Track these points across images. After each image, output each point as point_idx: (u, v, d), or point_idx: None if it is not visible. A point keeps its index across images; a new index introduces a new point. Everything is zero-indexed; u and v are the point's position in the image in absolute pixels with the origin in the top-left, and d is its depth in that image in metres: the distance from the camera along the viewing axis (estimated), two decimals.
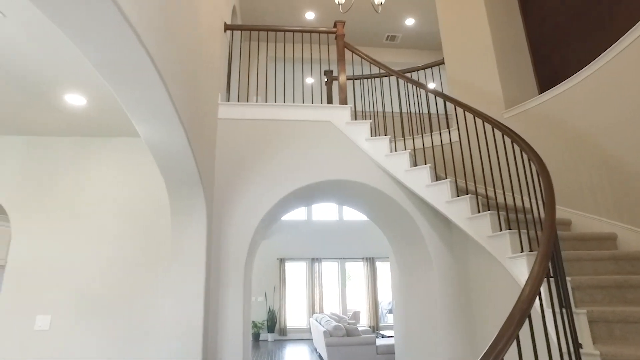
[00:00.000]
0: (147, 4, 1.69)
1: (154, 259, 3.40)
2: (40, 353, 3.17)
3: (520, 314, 1.48)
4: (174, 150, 2.53)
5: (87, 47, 1.60)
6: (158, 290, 3.34)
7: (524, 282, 2.67)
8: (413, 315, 4.02)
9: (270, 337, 10.25)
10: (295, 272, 11.14)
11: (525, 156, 3.81)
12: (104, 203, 3.51)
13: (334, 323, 6.59)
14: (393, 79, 6.98)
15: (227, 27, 4.09)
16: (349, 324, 8.12)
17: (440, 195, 3.44)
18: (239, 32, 5.44)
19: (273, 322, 10.30)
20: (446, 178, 3.54)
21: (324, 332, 6.36)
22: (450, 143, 3.69)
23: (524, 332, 2.60)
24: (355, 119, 3.93)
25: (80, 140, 3.65)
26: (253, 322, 10.44)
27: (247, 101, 3.89)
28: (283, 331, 10.42)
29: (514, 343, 2.74)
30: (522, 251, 2.76)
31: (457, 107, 4.48)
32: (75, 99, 2.95)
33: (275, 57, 4.28)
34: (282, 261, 10.93)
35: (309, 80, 8.04)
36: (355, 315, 10.24)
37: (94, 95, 2.94)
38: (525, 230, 3.02)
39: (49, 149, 3.62)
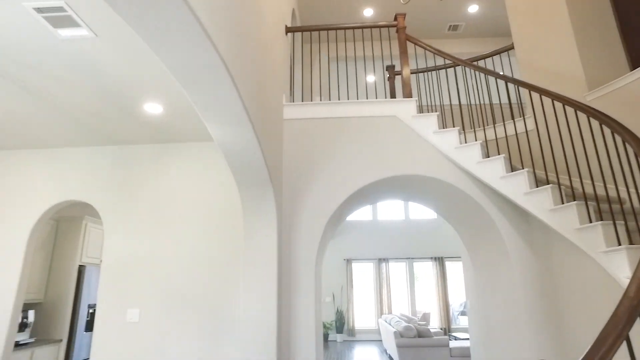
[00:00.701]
0: (218, 8, 1.77)
1: (229, 258, 3.55)
2: (132, 342, 3.44)
3: (629, 311, 1.32)
4: (244, 151, 2.62)
5: (163, 51, 1.70)
6: (234, 287, 3.48)
7: (623, 278, 2.40)
8: (491, 315, 3.80)
9: (338, 337, 10.27)
10: (362, 272, 11.06)
11: (618, 140, 3.44)
12: (183, 205, 3.74)
13: (404, 323, 6.43)
14: (459, 70, 6.68)
15: (288, 30, 4.17)
16: (419, 325, 7.88)
17: (517, 186, 3.22)
18: (300, 34, 5.53)
19: (341, 323, 10.31)
20: (522, 169, 3.30)
21: (394, 332, 6.23)
22: (526, 132, 3.43)
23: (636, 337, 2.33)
24: (421, 113, 3.81)
25: (159, 147, 3.93)
26: (322, 322, 10.53)
27: (311, 101, 3.94)
28: (352, 332, 10.39)
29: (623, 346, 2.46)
30: (620, 244, 2.48)
31: (531, 93, 4.17)
32: (153, 108, 3.18)
33: (337, 56, 4.28)
34: (348, 262, 10.93)
35: (370, 78, 7.97)
36: (425, 317, 9.93)
37: (169, 103, 3.15)
38: (621, 222, 2.71)
39: (133, 156, 3.93)
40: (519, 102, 3.59)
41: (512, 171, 3.35)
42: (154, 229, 3.71)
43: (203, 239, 3.63)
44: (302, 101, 4.00)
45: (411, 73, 5.18)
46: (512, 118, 3.68)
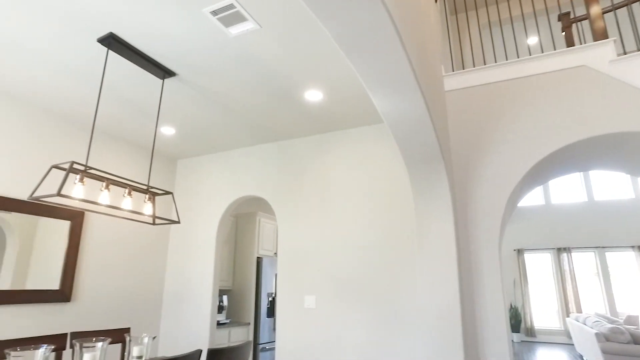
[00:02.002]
0: None
1: (401, 243, 3.39)
2: (311, 327, 3.56)
3: None
4: (413, 123, 2.41)
5: (327, 16, 1.60)
6: (409, 273, 3.29)
7: None
8: None
9: (515, 337, 9.19)
10: (538, 264, 9.69)
11: None
12: (349, 192, 3.73)
13: (608, 324, 5.29)
14: None
15: None
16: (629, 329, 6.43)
17: None
18: (451, 4, 5.07)
19: (517, 321, 9.20)
20: None
21: (596, 334, 5.17)
22: None
23: None
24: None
25: (321, 137, 4.01)
26: None
27: (474, 67, 3.50)
28: (530, 331, 9.18)
29: None
30: None
31: None
32: (313, 95, 3.22)
33: (499, 21, 3.73)
34: (520, 252, 9.70)
35: (532, 40, 6.90)
36: (631, 320, 8.10)
37: (329, 88, 3.14)
38: None
39: (296, 149, 4.11)
40: None
41: None
42: (323, 218, 3.78)
43: (372, 225, 3.55)
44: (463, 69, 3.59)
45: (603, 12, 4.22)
46: None
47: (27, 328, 3.23)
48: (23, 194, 3.30)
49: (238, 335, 4.99)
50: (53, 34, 2.48)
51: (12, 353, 1.72)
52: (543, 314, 9.40)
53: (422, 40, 2.50)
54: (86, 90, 3.17)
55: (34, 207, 3.36)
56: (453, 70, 3.90)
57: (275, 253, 5.97)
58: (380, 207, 3.54)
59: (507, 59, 3.50)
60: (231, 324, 4.91)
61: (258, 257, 5.53)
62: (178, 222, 2.63)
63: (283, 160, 4.16)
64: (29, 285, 3.29)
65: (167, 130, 3.95)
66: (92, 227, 3.82)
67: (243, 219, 5.71)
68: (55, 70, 2.89)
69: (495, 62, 3.54)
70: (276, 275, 5.73)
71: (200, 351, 1.82)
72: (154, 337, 2.41)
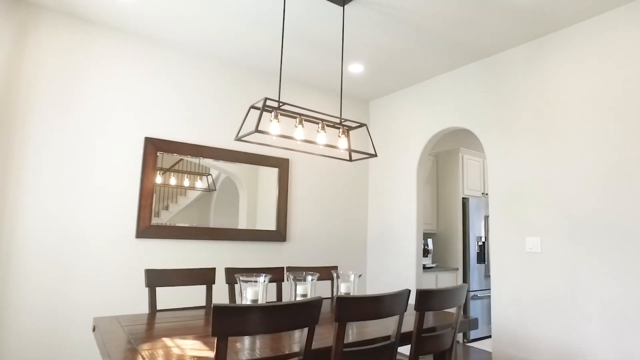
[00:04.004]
0: None
1: None
2: (534, 275, 2.95)
3: None
4: None
5: None
6: None
7: None
8: None
9: None
10: None
11: None
12: (583, 105, 2.83)
13: None
14: None
15: None
16: None
17: None
18: None
19: None
20: None
21: None
22: None
23: None
24: None
25: (534, 45, 3.14)
26: None
27: None
28: None
29: None
30: None
31: None
32: None
33: None
34: None
35: None
36: None
37: None
38: None
39: (503, 66, 3.34)
40: None
41: None
42: (546, 143, 3.01)
43: (622, 144, 2.60)
44: None
45: None
46: None
47: (255, 261, 3.75)
48: (231, 145, 3.74)
49: (446, 281, 4.73)
50: None
51: (241, 277, 1.96)
52: None
53: None
54: (270, 36, 3.24)
55: (248, 157, 3.76)
56: None
57: (484, 193, 5.32)
58: (636, 117, 2.54)
59: None
60: (438, 269, 4.66)
61: (464, 198, 5.03)
62: (375, 156, 2.44)
63: (488, 81, 3.47)
64: (257, 227, 3.78)
65: (354, 69, 3.79)
66: (296, 173, 4.08)
67: (444, 157, 5.25)
68: (241, 21, 3.02)
69: None
70: (485, 217, 5.13)
71: (408, 291, 1.60)
72: (359, 275, 2.36)
